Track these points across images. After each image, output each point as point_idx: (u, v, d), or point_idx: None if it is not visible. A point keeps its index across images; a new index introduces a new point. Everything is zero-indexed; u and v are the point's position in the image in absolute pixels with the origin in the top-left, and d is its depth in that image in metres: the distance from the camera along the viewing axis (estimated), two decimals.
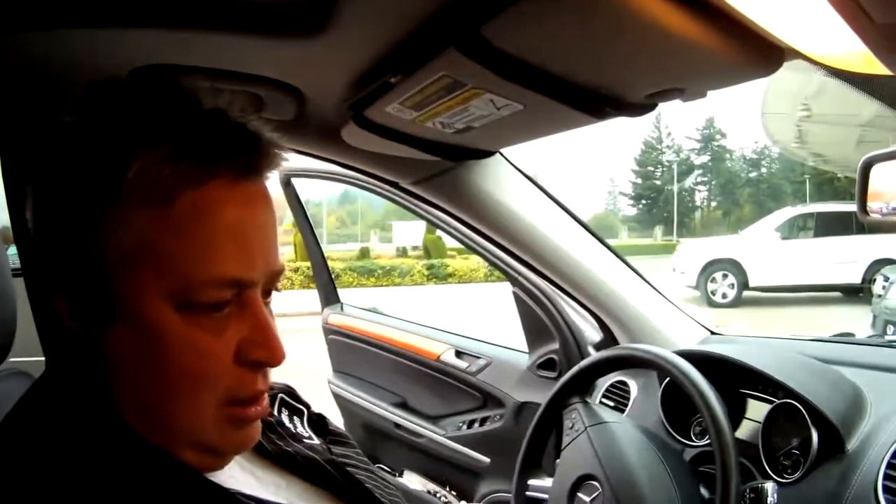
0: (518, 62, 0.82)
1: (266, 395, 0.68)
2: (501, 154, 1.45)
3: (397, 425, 2.19)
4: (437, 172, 1.46)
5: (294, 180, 2.37)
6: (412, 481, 2.17)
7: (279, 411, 0.88)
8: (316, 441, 0.86)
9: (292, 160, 1.58)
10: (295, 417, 0.89)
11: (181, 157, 0.58)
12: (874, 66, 0.63)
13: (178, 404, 0.62)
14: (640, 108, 0.94)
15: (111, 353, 0.64)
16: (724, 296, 12.11)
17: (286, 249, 20.27)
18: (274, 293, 0.69)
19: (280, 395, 0.90)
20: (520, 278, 1.83)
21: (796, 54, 0.73)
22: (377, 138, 1.20)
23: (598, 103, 0.93)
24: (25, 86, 1.09)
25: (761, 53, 0.74)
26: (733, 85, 0.85)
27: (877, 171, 1.17)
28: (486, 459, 1.95)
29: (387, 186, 1.67)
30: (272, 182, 0.68)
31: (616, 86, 0.89)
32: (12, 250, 1.17)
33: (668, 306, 1.75)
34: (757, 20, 0.67)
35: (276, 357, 0.65)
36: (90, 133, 0.60)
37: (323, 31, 0.91)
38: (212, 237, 0.60)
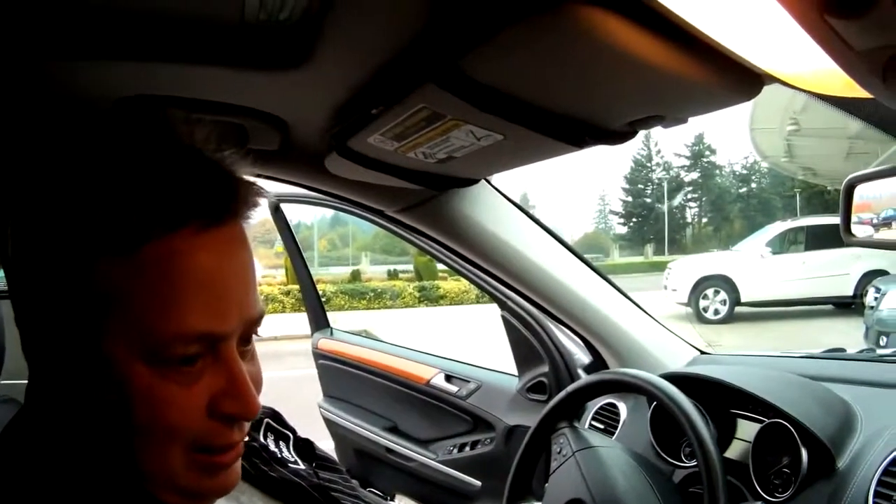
0: (496, 94, 0.82)
1: (241, 443, 0.65)
2: (487, 181, 1.45)
3: (388, 450, 2.18)
4: (422, 200, 1.45)
5: (283, 205, 2.36)
6: None
7: (265, 436, 0.86)
8: (302, 466, 0.85)
9: (282, 186, 1.58)
10: (281, 442, 0.87)
11: (147, 203, 0.55)
12: (853, 89, 0.63)
13: (145, 452, 0.59)
14: (621, 135, 0.93)
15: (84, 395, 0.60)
16: (716, 312, 12.04)
17: (278, 272, 20.27)
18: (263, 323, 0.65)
19: (266, 420, 0.87)
20: (508, 302, 1.83)
21: (774, 79, 0.73)
22: (360, 168, 1.20)
23: (577, 132, 0.92)
24: (12, 115, 1.08)
25: (739, 80, 0.74)
26: (713, 111, 0.84)
27: (860, 192, 1.17)
28: (478, 483, 1.94)
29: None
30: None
31: (595, 115, 0.89)
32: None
33: (656, 328, 1.74)
34: (733, 48, 0.67)
35: (249, 411, 0.61)
36: (59, 176, 0.58)
37: (305, 62, 0.92)
38: (178, 289, 0.56)
